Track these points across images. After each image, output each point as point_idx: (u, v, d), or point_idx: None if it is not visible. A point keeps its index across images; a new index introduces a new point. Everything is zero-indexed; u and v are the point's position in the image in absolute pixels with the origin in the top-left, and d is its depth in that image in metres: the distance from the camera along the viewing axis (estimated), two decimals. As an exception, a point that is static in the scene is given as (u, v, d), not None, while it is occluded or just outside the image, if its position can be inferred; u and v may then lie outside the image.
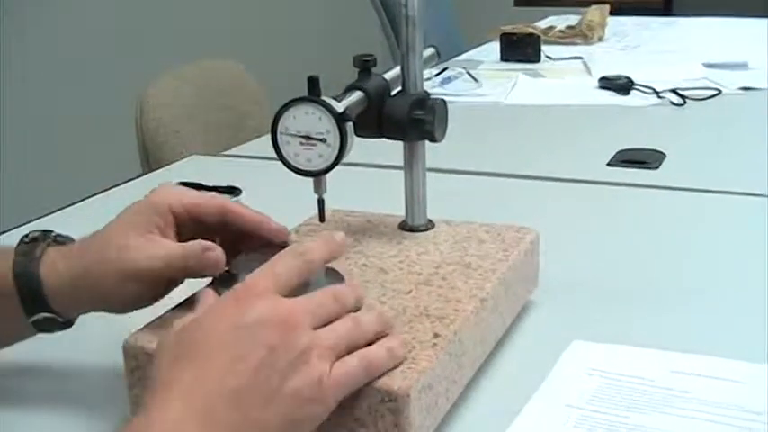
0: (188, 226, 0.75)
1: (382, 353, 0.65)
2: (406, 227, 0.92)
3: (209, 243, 0.73)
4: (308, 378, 0.60)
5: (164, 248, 0.73)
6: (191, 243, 0.73)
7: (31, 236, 0.76)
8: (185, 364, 0.60)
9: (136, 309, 0.75)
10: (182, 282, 0.75)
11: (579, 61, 2.28)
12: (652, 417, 0.71)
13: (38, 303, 0.73)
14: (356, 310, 0.68)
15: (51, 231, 0.78)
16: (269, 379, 0.59)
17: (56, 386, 0.82)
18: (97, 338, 0.78)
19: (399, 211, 0.93)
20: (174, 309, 0.74)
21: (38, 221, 1.24)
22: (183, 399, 0.58)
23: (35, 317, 0.74)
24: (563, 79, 2.11)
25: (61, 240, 0.77)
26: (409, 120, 0.86)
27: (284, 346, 0.60)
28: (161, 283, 0.74)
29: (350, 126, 0.79)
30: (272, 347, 0.60)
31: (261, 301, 0.62)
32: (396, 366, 0.65)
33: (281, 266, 0.65)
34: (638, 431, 0.70)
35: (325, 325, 0.64)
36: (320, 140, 0.78)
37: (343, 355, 0.63)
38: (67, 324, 0.76)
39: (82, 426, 0.75)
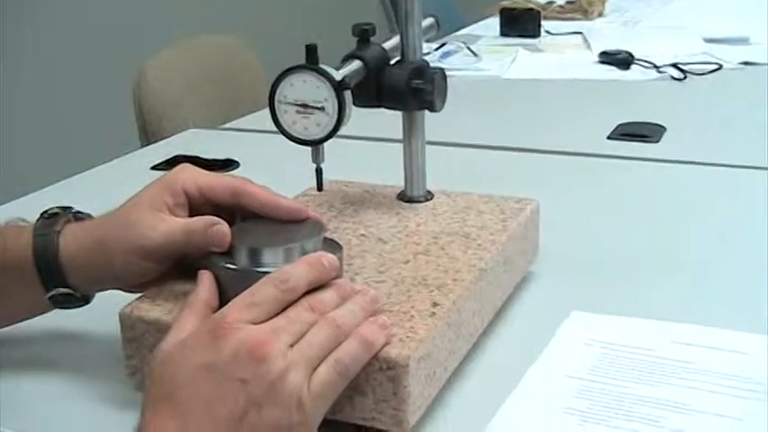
0: (202, 206, 0.74)
1: (354, 349, 0.63)
2: (404, 197, 0.91)
3: (214, 218, 0.72)
4: (284, 405, 0.59)
5: (166, 224, 0.72)
6: (195, 219, 0.73)
7: (50, 212, 0.77)
8: (166, 410, 0.60)
9: (145, 287, 0.74)
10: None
11: (579, 36, 2.26)
12: (653, 387, 0.71)
13: (56, 279, 0.74)
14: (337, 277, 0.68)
15: (71, 208, 0.78)
16: (247, 415, 0.59)
17: (53, 357, 0.81)
18: (94, 308, 0.78)
19: (398, 184, 0.92)
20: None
21: (37, 193, 1.24)
22: None
23: (53, 292, 0.74)
24: (563, 54, 2.10)
25: (80, 217, 0.77)
26: (408, 89, 0.85)
27: (256, 378, 0.59)
28: (165, 258, 0.73)
29: (348, 94, 0.78)
30: (243, 382, 0.59)
31: (231, 336, 0.60)
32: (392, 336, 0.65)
33: (259, 296, 0.63)
34: (639, 401, 0.69)
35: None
36: (318, 109, 0.78)
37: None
38: (85, 300, 0.77)
39: (80, 396, 0.75)
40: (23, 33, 3.61)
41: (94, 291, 0.77)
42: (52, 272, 0.73)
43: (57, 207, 0.78)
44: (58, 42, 3.76)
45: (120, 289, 0.76)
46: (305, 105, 0.78)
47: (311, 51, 0.77)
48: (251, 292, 0.64)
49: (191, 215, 0.74)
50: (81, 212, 0.78)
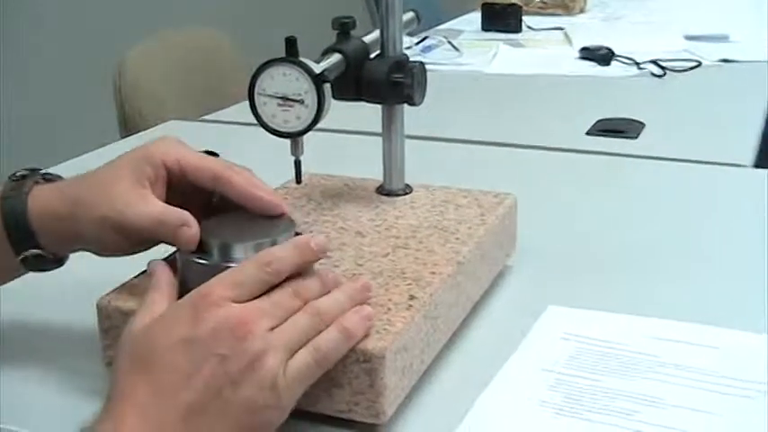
0: (181, 183, 0.73)
1: (334, 338, 0.63)
2: (383, 191, 0.92)
3: (186, 218, 0.70)
4: (260, 385, 0.60)
5: (144, 204, 0.70)
6: (171, 212, 0.70)
7: (18, 174, 0.75)
8: (140, 378, 0.60)
9: (116, 256, 0.74)
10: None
11: (560, 32, 2.27)
12: (626, 381, 0.72)
13: (26, 240, 0.72)
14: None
15: (39, 169, 0.76)
16: (221, 390, 0.59)
17: (29, 348, 0.81)
18: (70, 298, 0.77)
19: (377, 177, 0.93)
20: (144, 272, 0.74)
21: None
22: (138, 415, 0.59)
23: (24, 254, 0.73)
24: (544, 49, 2.11)
25: (49, 178, 0.76)
26: (388, 82, 0.85)
27: (235, 355, 0.59)
28: (139, 238, 0.72)
29: (327, 87, 0.78)
30: (222, 357, 0.59)
31: (213, 312, 0.61)
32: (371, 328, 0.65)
33: (243, 276, 0.63)
34: (613, 395, 0.70)
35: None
36: (297, 101, 0.78)
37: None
38: (58, 262, 0.76)
39: (57, 387, 0.75)
40: (1, 26, 3.59)
41: (67, 252, 0.76)
42: (21, 234, 0.72)
43: (25, 168, 0.76)
44: (37, 34, 3.74)
45: (92, 252, 0.75)
46: (285, 98, 0.78)
47: (291, 44, 0.77)
48: (235, 271, 0.64)
49: (168, 189, 0.73)
50: (50, 173, 0.77)
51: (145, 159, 0.72)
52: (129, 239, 0.72)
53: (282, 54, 0.78)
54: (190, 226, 0.70)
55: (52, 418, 0.72)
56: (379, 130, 0.91)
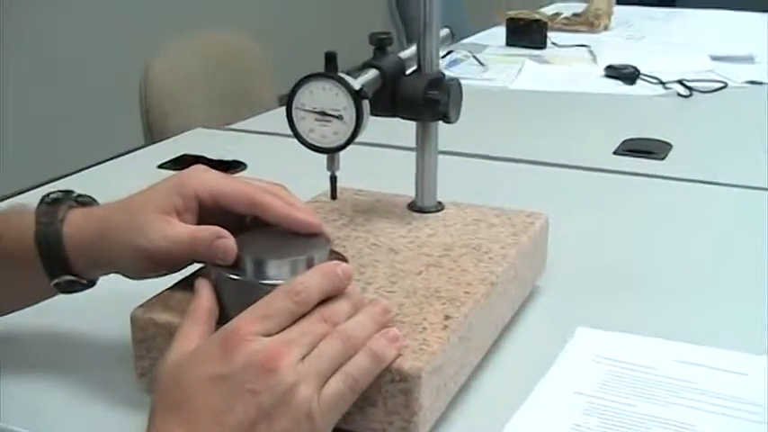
0: (214, 212, 0.73)
1: (365, 363, 0.63)
2: (415, 207, 0.91)
3: (221, 231, 0.70)
4: (295, 417, 0.59)
5: (174, 231, 0.71)
6: (203, 229, 0.71)
7: (52, 196, 0.75)
8: (175, 418, 0.60)
9: (149, 279, 0.74)
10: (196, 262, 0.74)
11: (585, 49, 2.27)
12: (658, 406, 0.71)
13: (60, 267, 0.73)
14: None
15: (72, 192, 0.76)
16: (256, 426, 0.59)
17: (62, 358, 0.81)
18: (104, 309, 0.77)
19: (405, 192, 0.92)
20: (182, 281, 0.74)
21: (38, 189, 1.24)
22: None
23: (57, 279, 0.73)
24: (569, 66, 2.11)
25: (82, 201, 0.76)
26: (424, 100, 0.85)
27: (268, 389, 0.59)
28: (170, 262, 0.73)
29: (366, 103, 0.78)
30: (254, 393, 0.59)
31: (243, 347, 0.60)
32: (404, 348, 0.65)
33: (272, 309, 0.63)
34: (646, 420, 0.70)
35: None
36: (336, 117, 0.78)
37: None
38: (90, 284, 0.76)
39: (89, 396, 0.75)
40: (26, 29, 3.61)
41: (98, 276, 0.76)
42: (56, 261, 0.72)
43: (58, 191, 0.76)
44: (63, 35, 3.76)
45: (126, 276, 0.75)
46: (323, 113, 0.78)
47: (330, 59, 0.77)
48: (263, 303, 0.63)
49: (200, 219, 0.73)
50: (84, 196, 0.77)
51: (176, 190, 0.73)
52: (159, 264, 0.72)
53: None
54: (226, 237, 0.70)
55: (84, 429, 0.72)
56: (406, 144, 0.90)
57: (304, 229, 0.72)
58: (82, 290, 0.75)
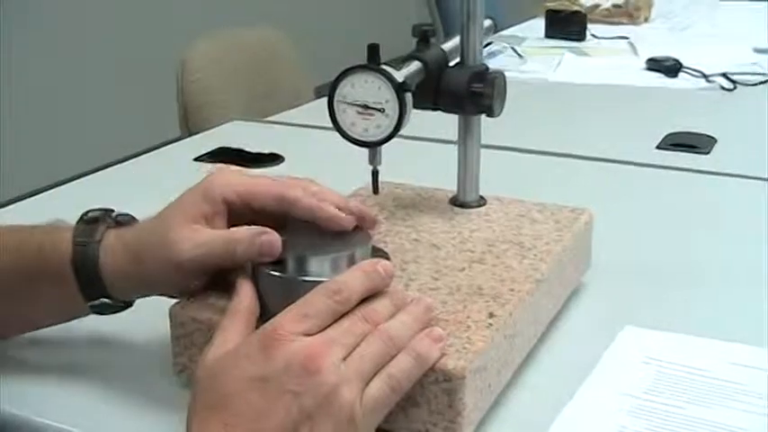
0: (244, 213, 0.72)
1: (408, 364, 0.61)
2: (456, 202, 0.90)
3: (260, 228, 0.69)
4: (337, 418, 0.58)
5: (203, 237, 0.69)
6: (238, 229, 0.70)
7: (90, 215, 0.74)
8: (214, 419, 0.59)
9: (187, 294, 0.73)
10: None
11: (625, 41, 2.24)
12: (710, 410, 0.69)
13: (96, 289, 0.72)
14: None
15: (112, 210, 0.76)
16: (298, 427, 0.57)
17: (101, 354, 0.81)
18: (143, 305, 0.77)
19: (445, 185, 0.91)
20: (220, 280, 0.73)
21: (78, 181, 1.23)
22: None
23: (93, 302, 0.73)
24: (609, 58, 2.08)
25: (121, 221, 0.75)
26: (467, 93, 0.84)
27: (309, 390, 0.58)
28: (202, 271, 0.71)
29: (409, 96, 0.76)
30: (296, 394, 0.58)
31: (283, 347, 0.59)
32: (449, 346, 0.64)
33: (312, 308, 0.61)
34: (696, 424, 0.68)
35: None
36: (378, 110, 0.76)
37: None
38: (127, 306, 0.75)
39: (128, 393, 0.74)
40: (63, 23, 3.63)
41: (135, 298, 0.75)
42: (92, 283, 0.72)
43: (98, 209, 0.75)
44: (99, 27, 3.78)
45: (162, 295, 0.74)
46: (365, 106, 0.76)
47: (373, 51, 0.76)
48: (304, 302, 0.62)
49: (232, 222, 0.72)
50: (122, 215, 0.76)
51: (202, 196, 0.72)
52: (194, 275, 0.71)
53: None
54: (269, 233, 0.68)
55: (123, 426, 0.71)
56: (447, 137, 0.88)
57: (334, 224, 0.71)
58: (118, 311, 0.75)
